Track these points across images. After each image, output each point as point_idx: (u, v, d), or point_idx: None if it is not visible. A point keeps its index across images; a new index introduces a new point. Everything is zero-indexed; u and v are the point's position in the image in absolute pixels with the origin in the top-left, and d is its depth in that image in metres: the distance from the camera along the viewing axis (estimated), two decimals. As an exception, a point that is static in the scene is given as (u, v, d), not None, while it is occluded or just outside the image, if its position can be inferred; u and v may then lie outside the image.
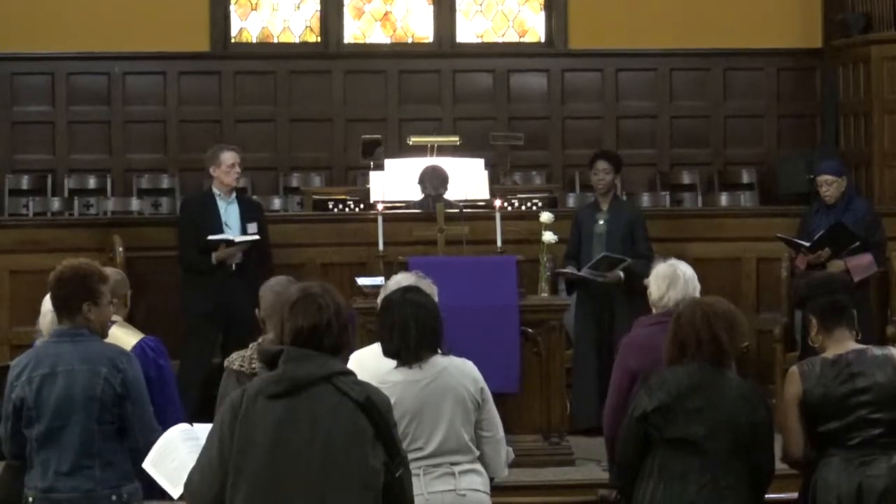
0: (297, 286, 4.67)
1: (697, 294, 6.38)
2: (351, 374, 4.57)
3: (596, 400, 9.48)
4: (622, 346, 6.45)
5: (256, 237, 9.62)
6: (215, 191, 9.85)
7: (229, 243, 9.54)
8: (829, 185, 9.79)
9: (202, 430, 5.29)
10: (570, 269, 9.55)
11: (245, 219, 9.78)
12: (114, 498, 5.57)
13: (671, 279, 6.40)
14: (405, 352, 5.63)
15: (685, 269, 6.46)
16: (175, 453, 5.45)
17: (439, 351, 5.70)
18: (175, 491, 5.34)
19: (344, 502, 4.42)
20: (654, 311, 6.47)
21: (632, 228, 9.70)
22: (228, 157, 9.85)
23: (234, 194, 9.89)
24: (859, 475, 5.46)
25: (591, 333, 9.63)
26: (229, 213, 9.79)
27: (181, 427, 5.60)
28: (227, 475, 4.45)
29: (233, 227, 9.73)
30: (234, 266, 9.59)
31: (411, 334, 5.63)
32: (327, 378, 4.48)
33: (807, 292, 5.73)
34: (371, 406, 4.48)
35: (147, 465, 5.51)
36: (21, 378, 5.59)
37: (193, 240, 9.64)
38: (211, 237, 9.58)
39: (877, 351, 5.65)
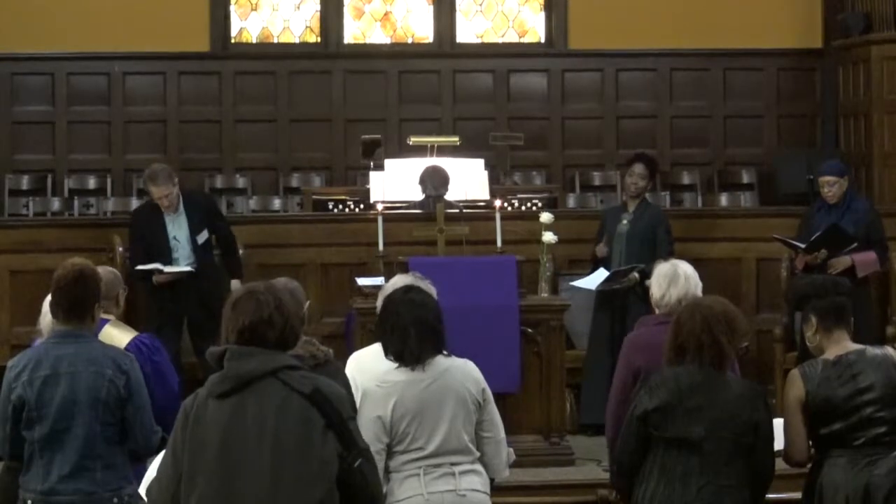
0: (242, 286, 4.69)
1: (699, 291, 6.39)
2: (298, 367, 4.56)
3: (603, 399, 9.50)
4: (626, 345, 6.47)
5: (187, 269, 9.40)
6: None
7: (160, 272, 9.40)
8: (831, 186, 9.79)
9: None
10: (580, 283, 9.59)
11: (194, 230, 9.58)
12: (115, 501, 5.57)
13: (671, 277, 6.42)
14: (407, 353, 5.63)
15: (685, 268, 6.48)
16: None
17: (444, 352, 5.68)
18: None
19: (296, 496, 4.42)
20: (657, 311, 6.48)
21: (654, 230, 9.70)
22: (154, 191, 9.55)
23: (180, 205, 9.60)
24: (866, 475, 5.45)
25: (606, 332, 9.64)
26: (177, 225, 9.59)
27: None
28: (181, 479, 4.47)
29: (181, 240, 9.56)
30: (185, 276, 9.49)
31: (412, 335, 5.62)
32: (273, 373, 4.49)
33: (811, 291, 5.72)
34: (319, 397, 4.48)
35: (142, 489, 5.50)
36: (21, 379, 5.57)
37: (139, 255, 9.51)
38: (139, 267, 9.40)
39: (876, 350, 5.65)
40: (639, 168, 9.86)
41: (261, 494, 4.41)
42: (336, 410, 4.50)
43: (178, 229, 9.60)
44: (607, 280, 9.49)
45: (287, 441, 4.43)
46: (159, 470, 4.60)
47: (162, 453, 5.51)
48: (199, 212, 9.73)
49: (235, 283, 9.37)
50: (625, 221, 9.80)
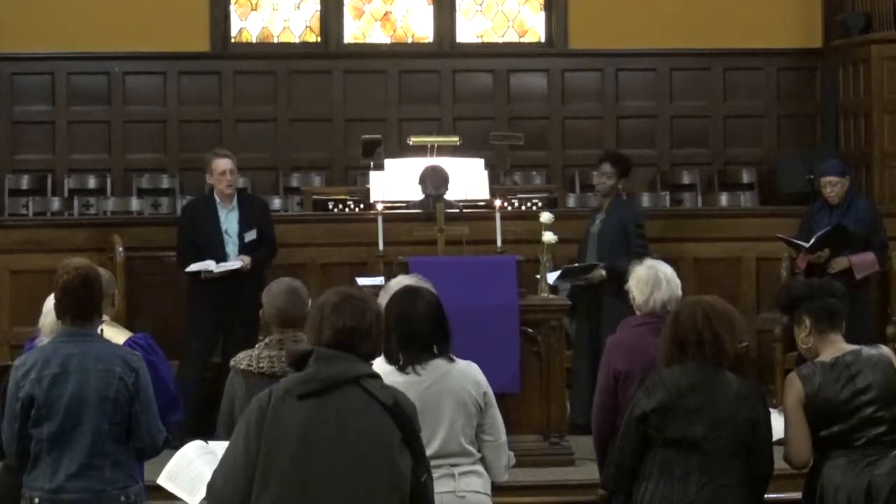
0: (335, 290, 4.65)
1: (679, 293, 6.38)
2: (378, 377, 4.56)
3: (587, 397, 9.52)
4: (608, 347, 6.46)
5: (238, 265, 9.41)
6: (216, 197, 9.71)
7: (210, 272, 9.39)
8: (833, 186, 9.81)
9: (218, 446, 5.29)
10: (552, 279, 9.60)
11: (243, 227, 9.61)
12: (122, 499, 5.59)
13: (654, 282, 6.39)
14: (394, 357, 5.61)
15: (665, 270, 6.45)
16: (192, 466, 5.43)
17: (450, 355, 5.66)
18: (193, 499, 5.32)
19: None
20: (637, 313, 6.47)
21: (624, 228, 9.68)
22: (220, 164, 9.63)
23: (234, 199, 9.70)
24: (867, 475, 5.44)
25: (584, 333, 9.65)
26: (229, 219, 9.63)
27: (196, 444, 5.59)
28: (253, 476, 4.43)
29: (231, 234, 9.58)
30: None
31: (397, 340, 5.58)
32: (355, 380, 4.48)
33: (806, 292, 5.72)
34: (398, 410, 4.48)
35: (162, 479, 5.50)
36: (29, 377, 5.57)
37: (189, 248, 9.53)
38: (190, 269, 9.40)
39: (871, 350, 5.64)
40: (605, 167, 9.83)
41: (337, 500, 4.39)
42: (411, 423, 4.51)
43: (230, 223, 9.63)
44: (561, 276, 9.45)
45: (367, 449, 4.42)
46: (225, 464, 4.53)
47: (177, 455, 5.53)
48: (252, 210, 9.78)
49: (245, 259, 9.46)
50: (597, 221, 9.81)
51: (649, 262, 6.54)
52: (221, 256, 9.50)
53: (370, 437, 4.43)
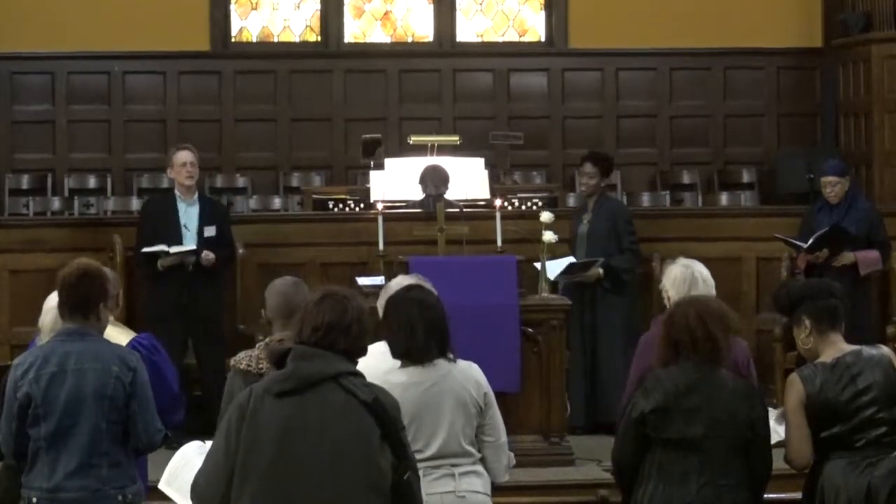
0: (326, 288, 4.65)
1: (714, 292, 6.38)
2: (359, 375, 4.55)
3: (582, 399, 9.52)
4: (641, 344, 6.48)
5: (192, 248, 9.47)
6: (176, 192, 9.78)
7: (165, 253, 9.44)
8: (833, 186, 9.83)
9: None
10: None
11: (203, 221, 9.66)
12: (120, 498, 5.58)
13: (690, 281, 6.41)
14: (415, 350, 5.58)
15: (701, 269, 6.47)
16: (189, 467, 5.43)
17: (450, 355, 5.65)
18: (187, 502, 5.32)
19: (352, 502, 4.42)
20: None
21: (614, 226, 9.71)
22: (180, 156, 9.76)
23: (195, 195, 9.78)
24: (867, 476, 5.44)
25: (578, 333, 9.65)
26: (189, 214, 9.69)
27: (195, 444, 5.59)
28: (233, 474, 4.44)
29: (191, 229, 9.63)
30: (191, 267, 9.50)
31: (420, 332, 5.58)
32: (335, 377, 4.47)
33: (806, 292, 5.71)
34: (379, 407, 4.48)
35: (162, 484, 5.50)
36: (27, 376, 5.57)
37: (148, 241, 9.57)
38: (145, 249, 9.48)
39: (872, 351, 5.64)
40: (587, 167, 9.90)
41: (317, 499, 4.40)
42: (392, 420, 4.51)
43: (189, 218, 9.68)
44: (564, 272, 9.46)
45: (347, 447, 4.43)
46: (207, 464, 4.56)
47: (176, 457, 5.53)
48: (213, 209, 9.89)
49: (208, 254, 9.46)
50: (584, 222, 9.85)
51: (684, 261, 6.56)
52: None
53: (349, 434, 4.43)
